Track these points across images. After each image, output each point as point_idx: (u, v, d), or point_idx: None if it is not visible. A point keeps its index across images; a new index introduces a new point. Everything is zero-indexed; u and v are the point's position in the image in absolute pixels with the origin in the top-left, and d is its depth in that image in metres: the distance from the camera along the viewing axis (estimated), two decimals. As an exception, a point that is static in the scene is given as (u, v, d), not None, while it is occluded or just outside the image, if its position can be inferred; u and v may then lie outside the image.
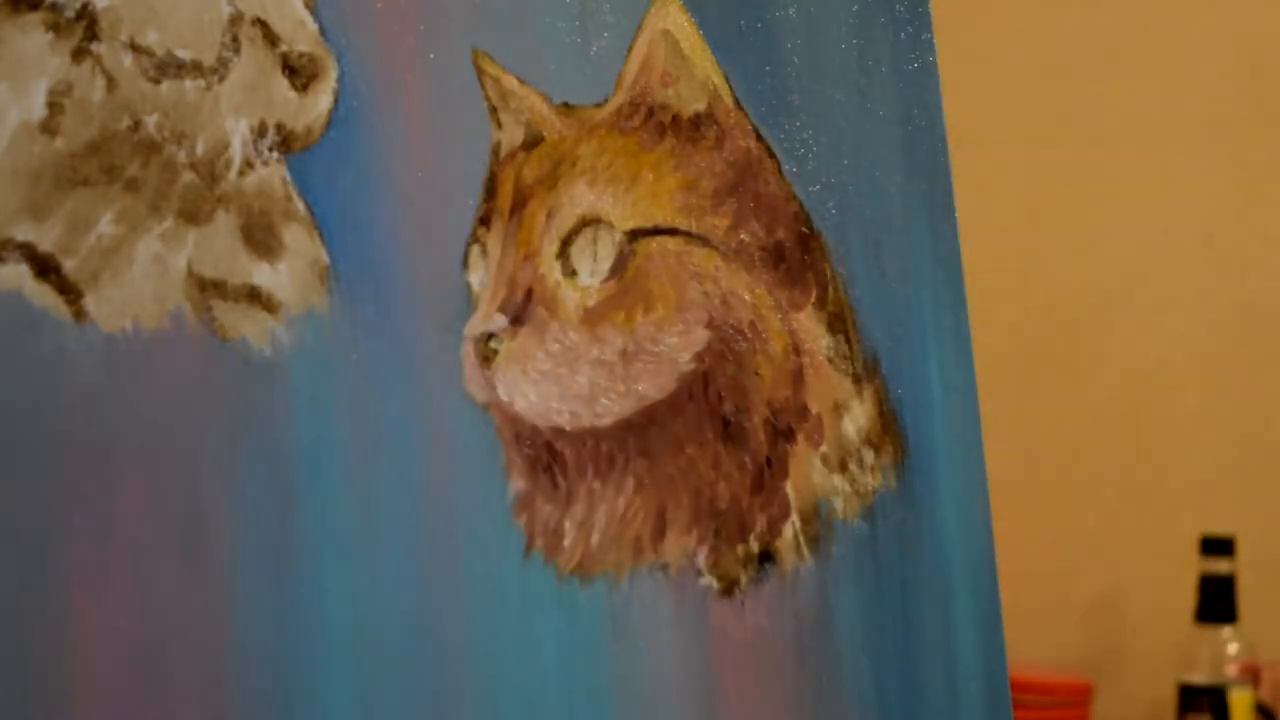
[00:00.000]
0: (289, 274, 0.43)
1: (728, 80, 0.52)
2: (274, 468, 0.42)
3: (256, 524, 0.41)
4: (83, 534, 0.39)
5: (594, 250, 0.48)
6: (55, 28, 0.40)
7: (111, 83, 0.40)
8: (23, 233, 0.39)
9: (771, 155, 0.52)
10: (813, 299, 0.52)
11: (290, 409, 0.42)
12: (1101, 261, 1.43)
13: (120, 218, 0.40)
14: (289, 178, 0.43)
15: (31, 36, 0.39)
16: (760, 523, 0.50)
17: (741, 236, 0.51)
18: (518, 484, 0.47)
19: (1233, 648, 1.29)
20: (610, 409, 0.48)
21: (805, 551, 0.51)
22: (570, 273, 0.48)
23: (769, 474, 0.51)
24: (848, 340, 0.53)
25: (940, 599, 0.53)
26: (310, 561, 0.42)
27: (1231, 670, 1.30)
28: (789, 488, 0.51)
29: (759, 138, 0.52)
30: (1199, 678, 1.30)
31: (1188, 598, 1.29)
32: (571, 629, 0.47)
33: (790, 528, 0.51)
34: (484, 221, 0.47)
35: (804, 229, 0.52)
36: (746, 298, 0.50)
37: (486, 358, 0.46)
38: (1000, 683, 0.54)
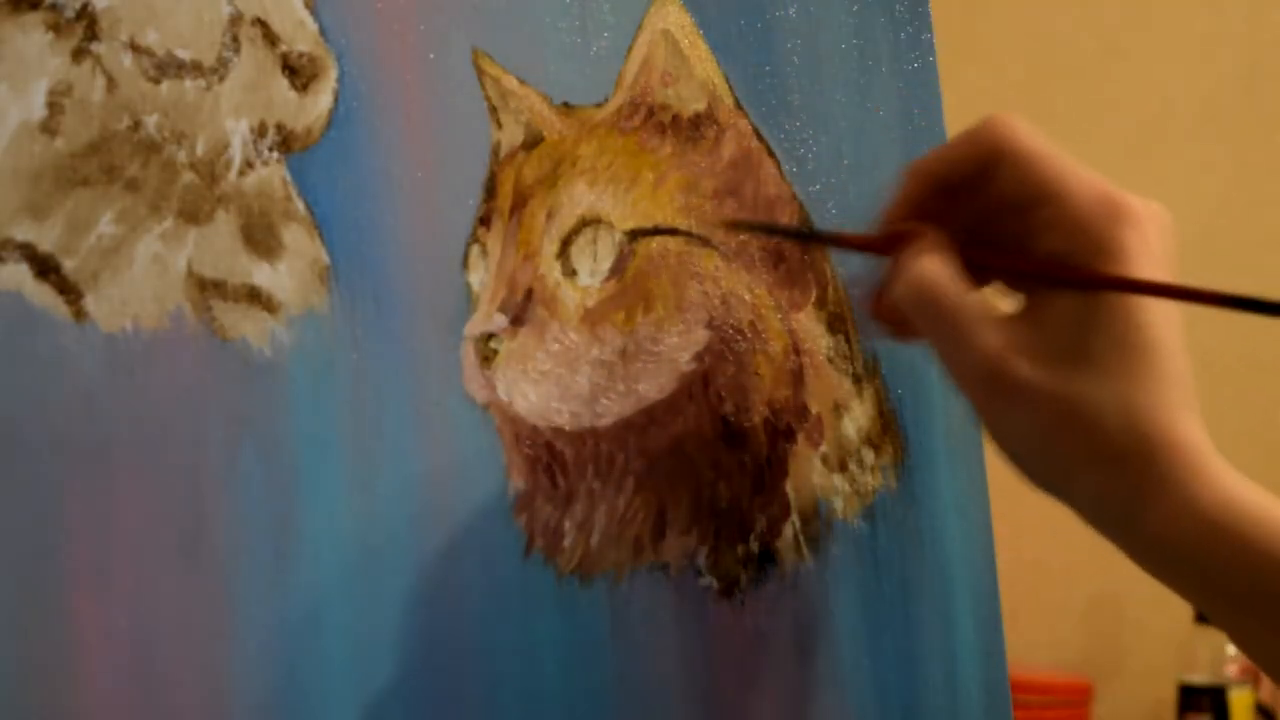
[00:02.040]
0: (289, 274, 0.43)
1: (728, 80, 0.52)
2: (274, 468, 0.42)
3: (256, 524, 0.41)
4: (82, 534, 0.39)
5: (594, 250, 0.48)
6: (55, 28, 0.40)
7: (111, 83, 0.40)
8: (23, 233, 0.39)
9: (771, 155, 0.52)
10: (813, 299, 0.52)
11: (290, 409, 0.42)
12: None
13: (120, 218, 0.40)
14: (289, 178, 0.43)
15: (31, 36, 0.39)
16: (760, 523, 0.50)
17: (741, 236, 0.51)
18: (518, 484, 0.47)
19: (1233, 648, 1.29)
20: (610, 409, 0.48)
21: (805, 551, 0.51)
22: (570, 273, 0.48)
23: (769, 474, 0.51)
24: (848, 340, 0.53)
25: (940, 599, 0.53)
26: (310, 561, 0.42)
27: (1232, 670, 1.30)
28: (789, 488, 0.51)
29: (759, 138, 0.52)
30: (1199, 678, 1.31)
31: (1188, 598, 1.29)
32: (571, 629, 0.47)
33: (790, 528, 0.51)
34: (484, 221, 0.47)
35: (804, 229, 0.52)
36: (746, 298, 0.50)
37: (486, 358, 0.46)
38: (1000, 682, 0.54)
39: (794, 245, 0.52)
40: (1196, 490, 0.40)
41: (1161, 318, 0.41)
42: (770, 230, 0.51)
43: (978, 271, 0.44)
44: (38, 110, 0.39)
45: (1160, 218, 0.42)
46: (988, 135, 0.43)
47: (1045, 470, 0.43)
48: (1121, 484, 0.41)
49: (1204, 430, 0.41)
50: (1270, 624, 0.41)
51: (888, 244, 0.44)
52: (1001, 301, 0.44)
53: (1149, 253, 0.41)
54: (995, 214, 0.44)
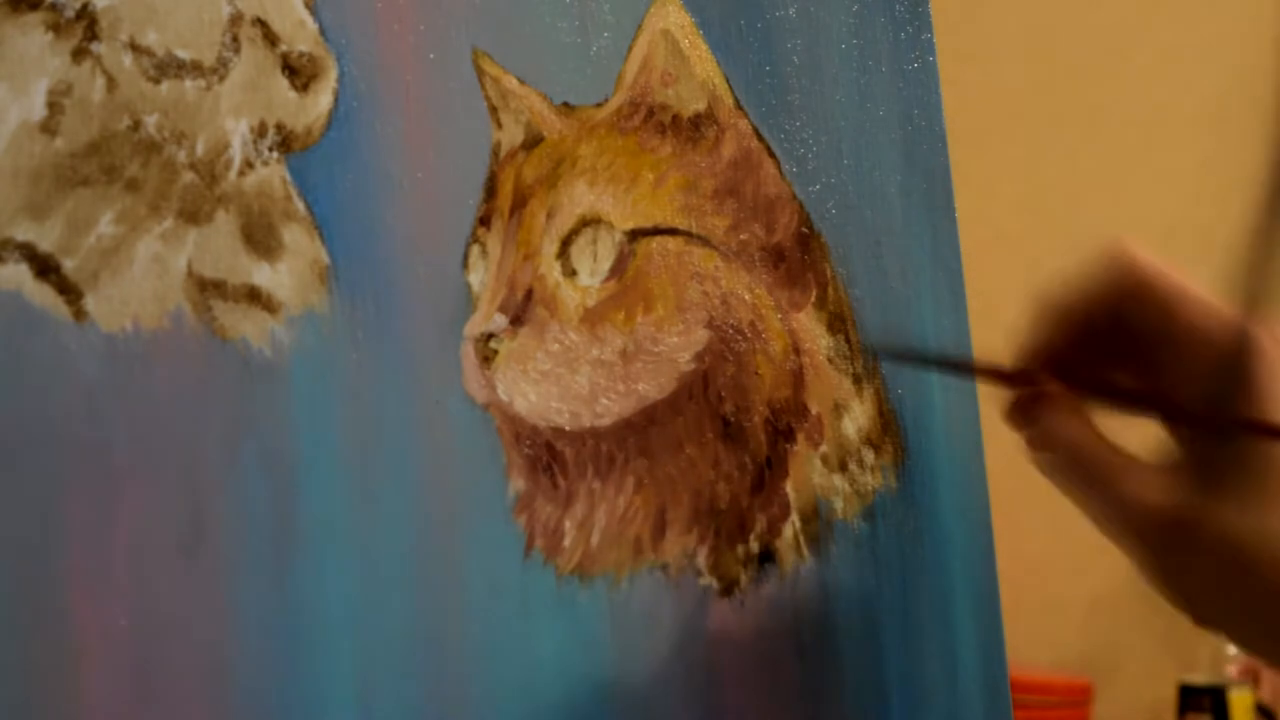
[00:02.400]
0: (289, 274, 0.43)
1: (728, 80, 0.52)
2: (273, 468, 0.42)
3: (256, 524, 0.41)
4: (82, 534, 0.39)
5: (594, 250, 0.48)
6: (55, 28, 0.40)
7: (111, 83, 0.40)
8: (23, 233, 0.39)
9: (771, 155, 0.52)
10: (813, 299, 0.52)
11: (290, 409, 0.42)
12: (1101, 261, 1.43)
13: (120, 218, 0.40)
14: (289, 178, 0.43)
15: (31, 36, 0.39)
16: (760, 522, 0.50)
17: (741, 236, 0.51)
18: (518, 484, 0.47)
19: (1233, 648, 1.29)
20: (610, 409, 0.48)
21: (805, 551, 0.51)
22: (570, 273, 0.48)
23: (769, 474, 0.51)
24: (848, 340, 0.53)
25: (940, 598, 0.53)
26: (310, 561, 0.42)
27: (1232, 670, 1.30)
28: (789, 488, 0.51)
29: (759, 138, 0.52)
30: (1199, 678, 1.30)
31: (1188, 598, 1.28)
32: (572, 629, 0.47)
33: (790, 527, 0.51)
34: (484, 221, 0.47)
35: (804, 229, 0.52)
36: (746, 298, 0.50)
37: (486, 358, 0.46)
38: (1000, 682, 0.54)
39: (796, 246, 0.52)
40: None
41: None
42: (922, 360, 0.51)
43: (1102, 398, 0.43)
44: (38, 110, 0.39)
45: None
46: (1116, 274, 0.42)
47: (1217, 610, 0.42)
48: None
49: None
50: None
51: (1021, 381, 0.44)
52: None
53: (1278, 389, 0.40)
54: (1126, 347, 0.43)
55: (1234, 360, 0.40)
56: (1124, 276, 0.42)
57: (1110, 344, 0.44)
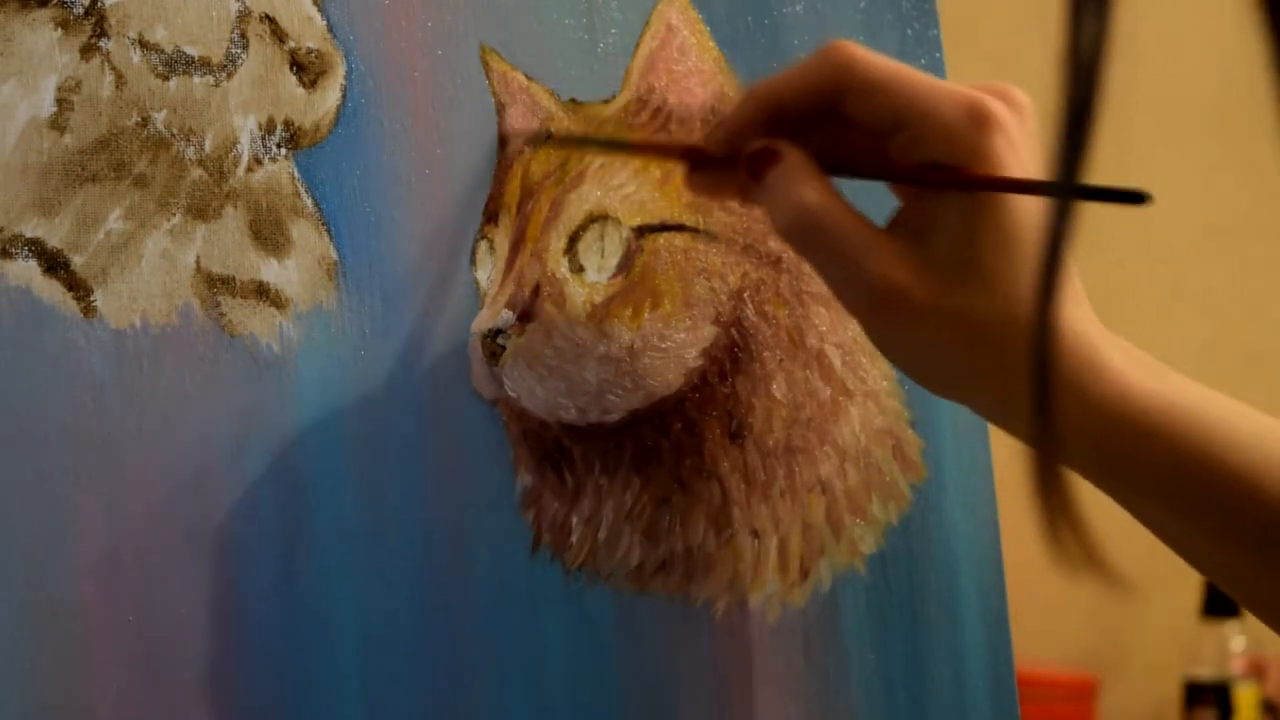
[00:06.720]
0: (297, 270, 0.43)
1: (735, 76, 0.52)
2: (281, 463, 0.42)
3: (264, 519, 0.42)
4: (91, 528, 0.39)
5: (601, 246, 0.48)
6: (64, 24, 0.40)
7: (120, 79, 0.40)
8: (32, 229, 0.39)
9: (778, 151, 0.52)
10: (818, 296, 0.52)
11: (298, 405, 0.43)
12: (1106, 257, 1.43)
13: (129, 214, 0.40)
14: (297, 174, 0.43)
15: (40, 33, 0.39)
16: (767, 519, 0.50)
17: (748, 232, 0.51)
18: (525, 479, 0.47)
19: (1238, 643, 1.29)
20: (618, 405, 0.48)
21: (813, 547, 0.51)
22: (578, 269, 0.48)
23: (776, 470, 0.51)
24: (854, 338, 0.53)
25: (947, 594, 0.53)
26: (318, 556, 0.42)
27: (1237, 666, 1.30)
28: (796, 484, 0.51)
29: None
30: (1205, 673, 1.30)
31: (1193, 593, 1.29)
32: (579, 623, 0.47)
33: (798, 524, 0.51)
34: (491, 218, 0.47)
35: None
36: (753, 294, 0.50)
37: (494, 354, 0.46)
38: (1006, 678, 0.54)
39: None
40: (1090, 385, 0.40)
41: (1038, 218, 0.40)
42: (585, 142, 0.49)
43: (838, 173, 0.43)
44: (47, 106, 0.39)
45: (1024, 114, 0.42)
46: (828, 70, 0.42)
47: (944, 381, 0.43)
48: (1018, 387, 0.39)
49: (1096, 323, 0.41)
50: (1175, 510, 0.41)
51: (750, 162, 0.43)
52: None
53: (1016, 156, 0.40)
54: (846, 137, 0.43)
55: (969, 133, 0.40)
56: (839, 72, 0.42)
57: (823, 127, 0.43)
